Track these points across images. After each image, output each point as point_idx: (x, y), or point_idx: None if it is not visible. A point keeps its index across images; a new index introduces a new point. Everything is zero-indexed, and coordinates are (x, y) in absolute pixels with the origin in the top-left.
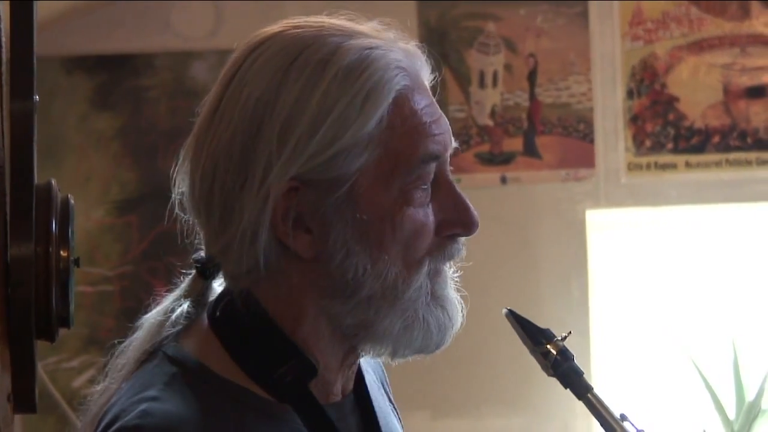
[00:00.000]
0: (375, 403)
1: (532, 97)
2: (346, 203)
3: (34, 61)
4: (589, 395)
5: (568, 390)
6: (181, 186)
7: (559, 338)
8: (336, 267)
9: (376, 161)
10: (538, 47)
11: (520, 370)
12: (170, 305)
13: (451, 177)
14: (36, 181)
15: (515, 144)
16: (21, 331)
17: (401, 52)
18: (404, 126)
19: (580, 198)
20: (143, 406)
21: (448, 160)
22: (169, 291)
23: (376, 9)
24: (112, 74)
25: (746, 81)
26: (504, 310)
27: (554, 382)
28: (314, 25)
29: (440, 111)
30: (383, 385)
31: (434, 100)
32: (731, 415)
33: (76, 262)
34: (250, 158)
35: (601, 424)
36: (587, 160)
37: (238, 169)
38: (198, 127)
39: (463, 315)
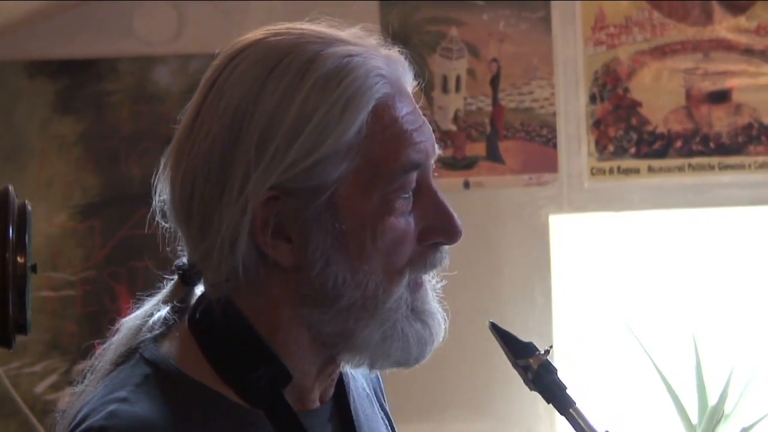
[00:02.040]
0: (359, 411)
1: (495, 101)
2: (326, 212)
3: None
4: (571, 410)
5: (537, 397)
6: (162, 193)
7: (542, 352)
8: (316, 276)
9: (356, 170)
10: (501, 52)
11: (484, 375)
12: (150, 309)
13: (435, 184)
14: None
15: (478, 149)
16: None
17: (382, 59)
18: (384, 134)
19: (543, 203)
20: (111, 407)
21: (431, 167)
22: (150, 295)
23: (338, 14)
24: (75, 79)
25: (709, 86)
26: (487, 323)
27: (517, 387)
28: (294, 32)
29: (423, 118)
30: (376, 393)
31: (417, 106)
32: (694, 419)
33: (33, 269)
34: (229, 168)
35: None
36: (550, 165)
37: (217, 178)
38: (178, 135)
39: (445, 329)
